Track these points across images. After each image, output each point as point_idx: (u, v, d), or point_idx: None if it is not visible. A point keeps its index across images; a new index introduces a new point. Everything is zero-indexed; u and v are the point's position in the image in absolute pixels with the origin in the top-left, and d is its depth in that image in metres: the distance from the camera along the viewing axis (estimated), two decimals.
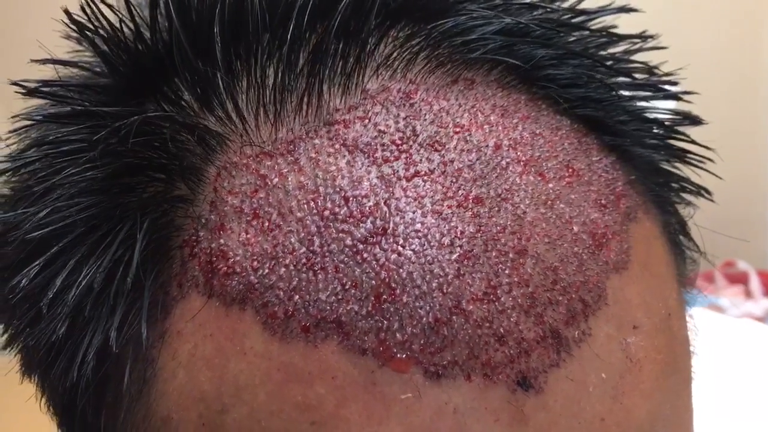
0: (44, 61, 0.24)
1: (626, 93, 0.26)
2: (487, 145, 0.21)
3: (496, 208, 0.20)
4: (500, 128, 0.22)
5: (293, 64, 0.21)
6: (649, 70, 0.28)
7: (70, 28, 0.22)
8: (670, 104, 0.29)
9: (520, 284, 0.20)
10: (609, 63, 0.26)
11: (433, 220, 0.20)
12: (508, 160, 0.21)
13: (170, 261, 0.21)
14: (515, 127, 0.22)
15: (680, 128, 0.28)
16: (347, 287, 0.19)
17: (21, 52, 0.27)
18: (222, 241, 0.20)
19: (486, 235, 0.20)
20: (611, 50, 0.27)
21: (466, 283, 0.19)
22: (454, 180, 0.20)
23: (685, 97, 0.29)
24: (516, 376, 0.19)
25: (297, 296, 0.19)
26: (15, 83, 0.23)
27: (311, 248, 0.19)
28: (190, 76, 0.21)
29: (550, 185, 0.21)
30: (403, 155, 0.21)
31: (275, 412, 0.19)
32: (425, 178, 0.20)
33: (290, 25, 0.21)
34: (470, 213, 0.20)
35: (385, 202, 0.20)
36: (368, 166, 0.20)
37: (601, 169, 0.24)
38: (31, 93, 0.22)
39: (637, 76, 0.27)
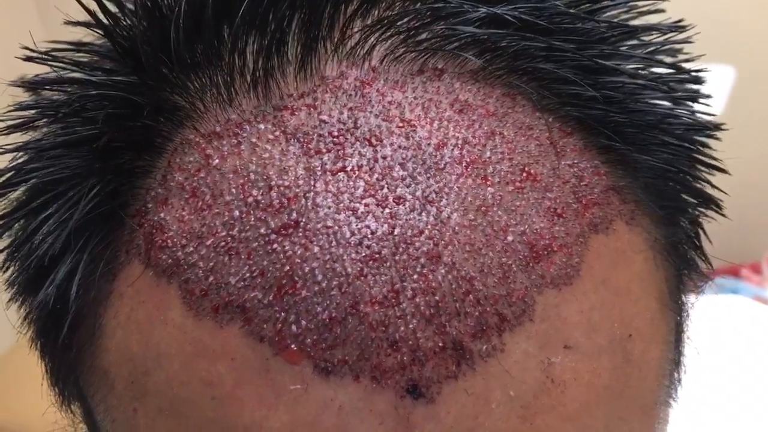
0: (76, 24, 0.26)
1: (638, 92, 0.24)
2: (429, 143, 0.21)
3: (418, 210, 0.20)
4: (451, 125, 0.21)
5: (248, 46, 0.21)
6: (677, 66, 0.25)
7: None
8: (713, 103, 0.27)
9: (425, 291, 0.19)
10: (615, 59, 0.24)
11: (344, 217, 0.20)
12: (447, 160, 0.21)
13: (123, 227, 0.22)
14: (470, 125, 0.21)
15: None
16: (254, 275, 0.20)
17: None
18: (162, 215, 0.21)
19: (399, 237, 0.19)
20: (632, 42, 0.25)
21: (367, 285, 0.19)
22: (380, 177, 0.20)
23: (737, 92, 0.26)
24: (406, 383, 0.19)
25: (212, 277, 0.20)
26: (24, 47, 0.25)
27: (231, 232, 0.20)
28: (162, 55, 0.22)
29: (491, 190, 0.21)
30: (336, 148, 0.20)
31: (185, 382, 0.20)
32: (351, 173, 0.20)
33: (242, 6, 0.21)
34: (388, 212, 0.20)
35: (304, 195, 0.20)
36: (299, 156, 0.20)
37: (572, 174, 0.22)
38: (30, 59, 0.24)
39: (661, 71, 0.25)
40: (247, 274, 0.20)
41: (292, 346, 0.19)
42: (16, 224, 0.24)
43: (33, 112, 0.23)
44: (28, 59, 0.24)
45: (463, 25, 0.22)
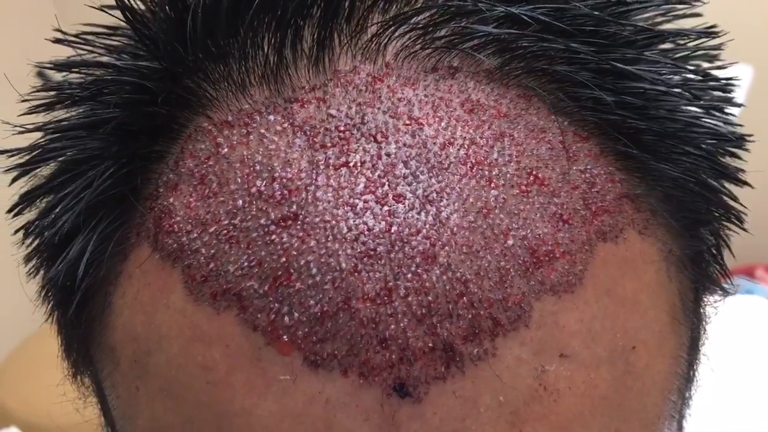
0: (96, 8, 0.26)
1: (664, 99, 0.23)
2: (435, 142, 0.21)
3: (417, 209, 0.20)
4: (459, 125, 0.21)
5: (265, 36, 0.22)
6: (707, 73, 0.25)
7: None
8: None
9: (418, 291, 0.19)
10: (640, 64, 0.23)
11: (342, 213, 0.20)
12: (452, 159, 0.20)
13: (135, 209, 0.23)
14: (479, 125, 0.21)
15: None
16: (252, 264, 0.20)
17: None
18: (171, 200, 0.22)
19: (395, 235, 0.19)
20: (663, 47, 0.24)
21: (360, 281, 0.19)
22: (382, 174, 0.20)
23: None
24: (393, 381, 0.19)
25: (212, 264, 0.20)
26: (56, 29, 0.25)
27: (233, 221, 0.20)
28: (180, 42, 0.22)
29: (494, 192, 0.20)
30: (341, 143, 0.20)
31: (182, 365, 0.21)
32: (353, 169, 0.20)
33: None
34: (386, 210, 0.20)
35: (305, 188, 0.20)
36: (304, 149, 0.21)
37: (583, 180, 0.22)
38: (59, 41, 0.25)
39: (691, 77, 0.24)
40: (245, 264, 0.20)
41: (284, 337, 0.19)
42: (41, 201, 0.24)
43: (55, 93, 0.24)
44: (57, 41, 0.25)
45: (481, 24, 0.22)
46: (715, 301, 0.27)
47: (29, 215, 0.24)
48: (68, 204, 0.23)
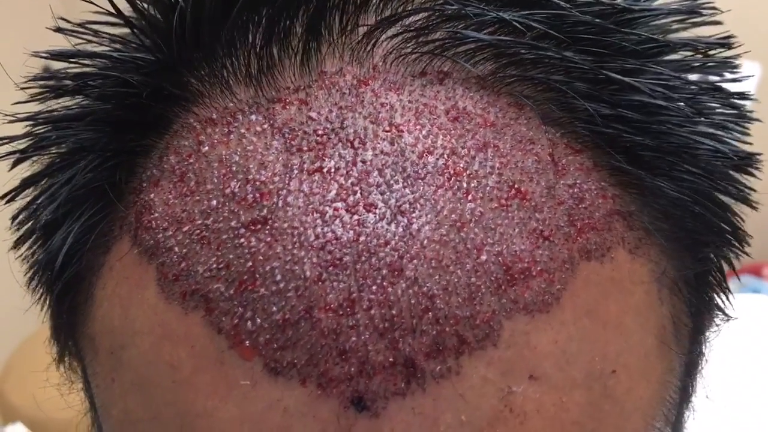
0: (88, 1, 0.26)
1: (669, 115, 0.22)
2: (413, 151, 0.20)
3: (387, 220, 0.19)
4: (441, 133, 0.20)
5: (254, 33, 0.21)
6: (718, 87, 0.23)
7: None
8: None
9: (382, 304, 0.19)
10: (644, 75, 0.22)
11: (311, 220, 0.19)
12: (429, 169, 0.20)
13: (120, 202, 0.23)
14: (462, 134, 0.20)
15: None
16: (220, 267, 0.20)
17: None
18: (152, 195, 0.22)
19: (363, 245, 0.19)
20: (671, 57, 0.23)
21: (323, 290, 0.19)
22: (355, 182, 0.20)
23: None
24: (351, 394, 0.19)
25: (184, 263, 0.20)
26: (61, 18, 0.26)
27: (206, 222, 0.20)
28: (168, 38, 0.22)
29: (470, 205, 0.20)
30: (318, 147, 0.20)
31: (152, 362, 0.21)
32: (326, 175, 0.20)
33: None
34: (356, 219, 0.19)
35: (277, 192, 0.20)
36: (281, 152, 0.20)
37: (570, 195, 0.21)
38: (59, 30, 0.25)
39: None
40: (214, 265, 0.20)
41: (246, 342, 0.19)
42: (32, 190, 0.25)
43: (44, 83, 0.24)
44: (58, 30, 0.25)
45: (475, 28, 0.21)
46: (716, 326, 0.25)
47: (21, 203, 0.25)
48: (54, 194, 0.23)
